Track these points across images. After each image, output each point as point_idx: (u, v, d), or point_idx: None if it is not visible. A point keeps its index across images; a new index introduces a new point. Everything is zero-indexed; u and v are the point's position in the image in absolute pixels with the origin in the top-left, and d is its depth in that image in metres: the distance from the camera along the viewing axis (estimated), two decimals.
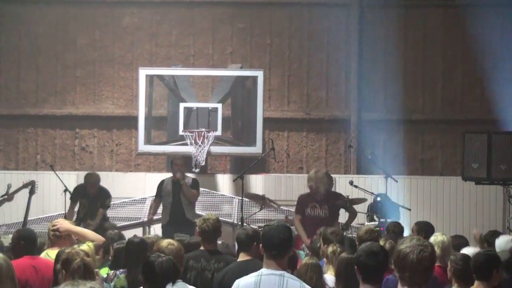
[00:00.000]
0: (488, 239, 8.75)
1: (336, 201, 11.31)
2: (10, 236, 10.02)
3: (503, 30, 15.36)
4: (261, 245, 5.56)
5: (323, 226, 10.97)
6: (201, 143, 13.06)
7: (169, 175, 12.41)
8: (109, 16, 15.62)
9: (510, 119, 14.95)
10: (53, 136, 15.62)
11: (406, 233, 11.19)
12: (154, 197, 12.50)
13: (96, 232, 7.56)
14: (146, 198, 13.65)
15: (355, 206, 11.72)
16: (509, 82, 15.29)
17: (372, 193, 12.48)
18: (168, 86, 14.16)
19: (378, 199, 12.18)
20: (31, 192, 12.45)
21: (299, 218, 11.18)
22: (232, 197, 13.65)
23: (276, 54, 15.59)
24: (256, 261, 6.32)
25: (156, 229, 13.12)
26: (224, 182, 14.38)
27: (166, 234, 10.61)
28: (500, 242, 8.11)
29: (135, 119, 13.88)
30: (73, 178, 13.83)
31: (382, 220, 11.54)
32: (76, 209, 12.33)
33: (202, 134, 13.08)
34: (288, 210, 13.09)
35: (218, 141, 13.51)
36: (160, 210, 12.30)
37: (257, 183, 14.46)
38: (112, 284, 6.71)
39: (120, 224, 12.86)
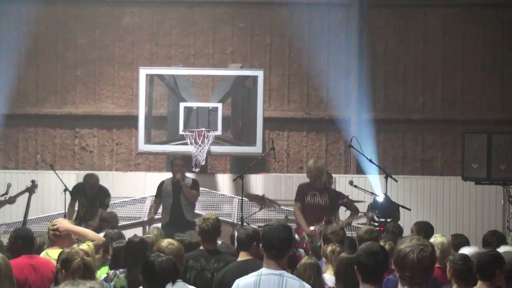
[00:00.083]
0: (488, 239, 8.75)
1: (338, 200, 11.35)
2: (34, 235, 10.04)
3: (503, 30, 15.36)
4: (261, 245, 5.56)
5: (324, 214, 11.07)
6: (201, 142, 13.06)
7: (169, 175, 12.41)
8: (109, 16, 15.62)
9: (510, 119, 14.96)
10: (53, 135, 15.63)
11: (406, 233, 11.22)
12: (154, 198, 12.49)
13: (96, 231, 7.56)
14: (146, 198, 13.65)
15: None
16: (509, 81, 15.29)
17: (372, 193, 12.48)
18: (168, 86, 14.16)
19: (379, 199, 12.18)
20: (31, 192, 12.46)
21: (299, 206, 11.22)
22: (232, 197, 13.66)
23: (277, 53, 15.60)
24: (256, 261, 6.32)
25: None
26: (224, 181, 14.38)
27: (165, 234, 10.59)
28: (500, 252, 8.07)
29: (135, 118, 13.88)
30: (73, 178, 13.84)
31: (382, 220, 11.54)
32: (76, 207, 12.34)
33: (202, 134, 13.08)
34: (288, 210, 13.08)
35: (218, 140, 13.51)
36: (159, 210, 12.29)
37: (257, 182, 14.46)
38: (112, 284, 6.71)
39: (120, 223, 12.86)
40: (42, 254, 7.20)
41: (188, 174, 12.37)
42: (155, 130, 14.73)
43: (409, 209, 12.43)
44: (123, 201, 13.57)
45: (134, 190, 14.24)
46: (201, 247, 7.37)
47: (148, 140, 13.76)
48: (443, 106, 15.51)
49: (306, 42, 15.50)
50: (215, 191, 13.92)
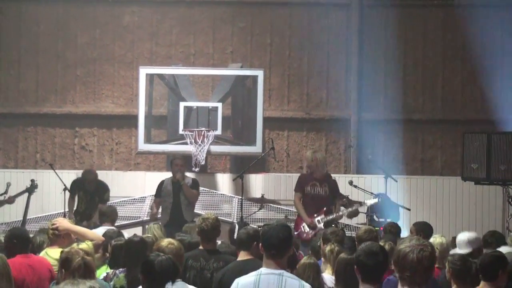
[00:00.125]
0: (487, 240, 8.75)
1: (338, 190, 11.41)
2: (29, 235, 10.05)
3: (503, 30, 15.36)
4: (260, 244, 5.57)
5: (324, 205, 11.11)
6: (201, 142, 13.05)
7: (169, 174, 12.41)
8: (109, 15, 15.62)
9: (509, 119, 14.96)
10: (53, 134, 15.62)
11: (404, 233, 11.22)
12: (153, 197, 12.48)
13: (95, 226, 7.56)
14: (145, 197, 13.65)
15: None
16: (508, 82, 15.29)
17: (372, 193, 12.49)
18: (168, 85, 14.16)
19: (379, 200, 12.18)
20: (31, 192, 12.46)
21: (299, 197, 11.26)
22: (232, 197, 13.65)
23: (277, 53, 15.59)
24: (256, 261, 6.32)
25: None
26: (224, 181, 14.37)
27: (165, 234, 10.58)
28: (459, 239, 8.09)
29: (135, 118, 13.88)
30: (73, 177, 13.80)
31: (381, 220, 11.55)
32: (75, 202, 12.32)
33: (202, 133, 13.07)
34: (288, 210, 13.09)
35: (218, 140, 13.51)
36: (159, 210, 12.28)
37: (257, 182, 14.46)
38: (112, 283, 6.71)
39: (119, 223, 12.86)
40: (42, 253, 7.20)
41: (188, 174, 12.37)
42: (155, 129, 14.73)
43: (409, 209, 12.45)
44: (122, 201, 13.56)
45: (133, 190, 14.24)
46: (201, 247, 7.37)
47: (148, 140, 13.76)
48: (443, 106, 15.51)
49: (306, 42, 15.50)
50: (214, 191, 13.92)
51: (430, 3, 15.54)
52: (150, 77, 14.04)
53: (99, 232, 8.10)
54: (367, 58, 15.43)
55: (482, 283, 6.11)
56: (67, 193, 12.39)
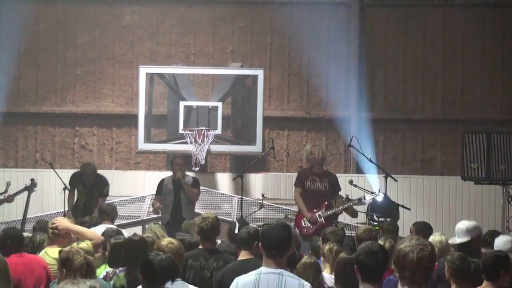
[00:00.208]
0: (487, 239, 8.75)
1: (338, 184, 11.44)
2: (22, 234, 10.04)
3: (503, 30, 15.36)
4: (260, 244, 5.56)
5: (324, 199, 11.12)
6: (201, 141, 13.05)
7: (169, 173, 12.40)
8: (109, 15, 15.62)
9: (509, 119, 14.96)
10: (53, 134, 15.62)
11: (402, 232, 11.22)
12: (154, 196, 12.44)
13: (95, 223, 7.56)
14: (145, 197, 13.64)
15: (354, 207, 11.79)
16: (508, 81, 15.29)
17: (371, 192, 12.48)
18: (168, 85, 14.16)
19: (376, 196, 12.17)
20: (30, 190, 12.45)
21: (299, 192, 11.27)
22: (232, 196, 13.65)
23: (277, 53, 15.59)
24: (257, 260, 6.32)
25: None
26: (224, 180, 14.37)
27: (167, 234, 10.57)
28: (499, 242, 8.13)
29: (135, 117, 13.88)
30: None
31: (381, 219, 11.54)
32: (75, 197, 12.28)
33: (202, 133, 13.07)
34: (288, 209, 13.09)
35: (218, 139, 13.51)
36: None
37: (257, 182, 14.46)
38: (112, 282, 6.70)
39: (119, 222, 12.86)
40: (42, 253, 7.21)
41: (188, 173, 12.36)
42: (155, 129, 14.73)
43: (409, 209, 12.44)
44: (122, 200, 13.56)
45: (133, 189, 14.24)
46: (200, 246, 7.37)
47: (148, 139, 13.76)
48: (443, 106, 15.51)
49: (306, 41, 15.50)
50: (214, 190, 13.91)
51: (430, 3, 15.54)
52: (150, 77, 14.04)
53: (98, 230, 8.10)
54: (367, 57, 15.44)
55: (484, 283, 6.12)
56: (67, 192, 12.38)
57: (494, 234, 8.78)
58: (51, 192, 13.86)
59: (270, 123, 15.09)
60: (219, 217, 7.95)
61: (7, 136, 15.61)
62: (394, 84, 15.49)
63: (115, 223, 10.03)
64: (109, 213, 9.93)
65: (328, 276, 7.01)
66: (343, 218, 11.87)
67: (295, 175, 12.69)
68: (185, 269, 7.04)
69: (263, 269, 5.46)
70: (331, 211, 11.20)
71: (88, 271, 5.46)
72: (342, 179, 13.69)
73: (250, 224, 11.47)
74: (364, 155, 12.63)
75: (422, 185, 14.70)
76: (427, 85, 15.54)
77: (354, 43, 15.37)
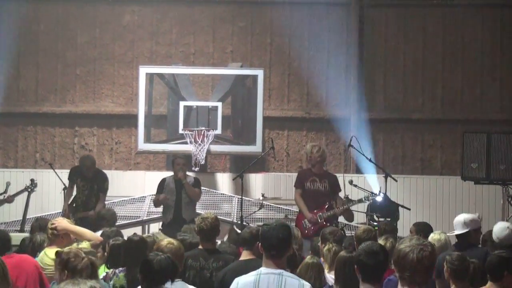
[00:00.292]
0: (486, 239, 8.79)
1: (338, 185, 11.43)
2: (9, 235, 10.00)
3: (502, 30, 15.36)
4: (260, 244, 5.56)
5: (324, 200, 11.11)
6: (201, 141, 13.05)
7: (169, 173, 12.38)
8: (109, 14, 15.61)
9: (509, 119, 14.96)
10: (53, 134, 15.61)
11: (402, 232, 11.21)
12: (154, 195, 12.33)
13: (94, 229, 7.54)
14: (145, 197, 13.61)
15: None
16: (507, 81, 15.29)
17: (371, 192, 12.48)
18: (168, 85, 14.15)
19: (376, 197, 12.17)
20: (30, 191, 12.43)
21: (299, 193, 11.27)
22: (232, 196, 13.64)
23: (277, 53, 15.59)
24: (258, 261, 6.31)
25: (152, 228, 13.09)
26: (224, 181, 14.37)
27: (166, 234, 10.54)
28: (497, 229, 8.21)
29: (135, 117, 13.87)
30: None
31: (381, 219, 11.53)
32: (73, 192, 12.23)
33: (202, 133, 13.07)
34: (288, 209, 13.08)
35: (218, 139, 13.50)
36: (160, 209, 12.23)
37: (257, 182, 14.46)
38: (111, 283, 6.70)
39: (119, 223, 12.84)
40: (41, 253, 7.20)
41: (189, 173, 12.34)
42: (155, 129, 14.73)
43: (409, 209, 12.43)
44: (122, 200, 13.55)
45: (133, 189, 14.22)
46: (200, 247, 7.36)
47: (147, 139, 13.76)
48: (442, 105, 15.51)
49: (306, 41, 15.50)
50: (214, 190, 13.90)
51: (429, 3, 15.54)
52: (150, 77, 14.04)
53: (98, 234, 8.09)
54: (366, 57, 15.44)
55: (489, 283, 6.14)
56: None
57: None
58: (51, 192, 13.85)
59: (270, 123, 15.08)
60: (219, 217, 7.96)
61: (7, 136, 15.61)
62: (394, 84, 15.49)
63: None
64: (109, 219, 9.93)
65: (328, 276, 7.02)
66: (343, 218, 11.86)
67: (295, 175, 12.69)
68: (185, 269, 7.04)
69: (263, 269, 5.46)
70: (331, 212, 11.20)
71: (93, 272, 5.45)
72: (342, 179, 13.71)
73: (249, 224, 11.50)
74: (364, 155, 12.62)
75: (422, 185, 14.70)
76: (427, 85, 15.54)
77: (353, 43, 15.37)
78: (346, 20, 15.46)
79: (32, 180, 12.60)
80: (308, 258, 7.06)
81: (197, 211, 12.00)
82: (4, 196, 12.45)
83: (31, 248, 7.86)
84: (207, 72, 14.96)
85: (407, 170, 15.17)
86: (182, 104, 13.42)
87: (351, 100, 15.35)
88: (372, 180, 13.73)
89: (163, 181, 12.05)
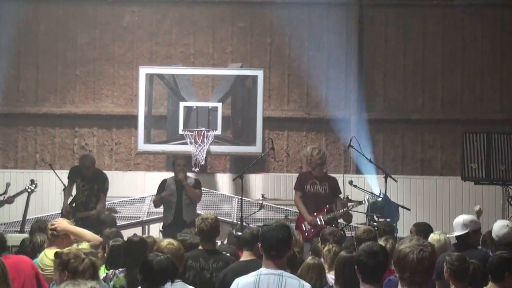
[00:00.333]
0: (486, 240, 8.80)
1: (338, 188, 11.43)
2: (9, 235, 10.01)
3: (502, 30, 15.35)
4: (259, 245, 5.56)
5: (324, 203, 11.10)
6: (201, 142, 13.04)
7: (169, 174, 12.38)
8: (109, 15, 15.61)
9: (509, 119, 14.95)
10: (53, 134, 15.61)
11: (402, 232, 11.21)
12: (155, 196, 12.32)
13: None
14: (145, 198, 13.62)
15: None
16: (508, 81, 15.28)
17: (371, 193, 12.48)
18: (168, 85, 14.15)
19: (378, 199, 12.17)
20: (30, 191, 12.43)
21: (299, 195, 11.27)
22: (232, 197, 13.64)
23: (276, 53, 15.59)
24: (259, 261, 6.31)
25: (152, 229, 13.09)
26: (224, 181, 14.37)
27: (166, 235, 10.53)
28: (496, 227, 8.24)
29: (134, 118, 13.87)
30: None
31: (381, 220, 11.54)
32: (73, 192, 12.21)
33: (202, 133, 13.07)
34: (288, 210, 13.08)
35: (217, 140, 13.50)
36: (161, 208, 12.21)
37: (257, 182, 14.46)
38: (111, 283, 6.70)
39: (119, 223, 12.84)
40: (41, 254, 7.20)
41: (189, 175, 12.33)
42: (155, 129, 14.72)
43: (409, 209, 12.44)
44: (122, 201, 13.55)
45: (133, 190, 14.23)
46: (200, 247, 7.36)
47: (147, 140, 13.75)
48: (442, 106, 15.51)
49: (306, 41, 15.50)
50: (214, 191, 13.91)
51: (429, 3, 15.54)
52: (150, 77, 14.04)
53: None
54: (366, 58, 15.44)
55: (490, 284, 6.15)
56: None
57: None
58: (51, 193, 13.85)
59: (270, 124, 15.08)
60: (219, 218, 7.96)
61: (6, 137, 15.60)
62: (394, 84, 15.48)
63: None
64: (109, 224, 9.93)
65: (328, 276, 7.02)
66: (342, 219, 11.85)
67: (295, 175, 12.72)
68: (185, 270, 7.03)
69: (263, 270, 5.46)
70: (331, 215, 11.20)
71: (95, 273, 5.44)
72: (342, 179, 13.71)
73: (249, 225, 11.50)
74: (364, 155, 12.62)
75: (422, 185, 14.70)
76: (427, 85, 15.54)
77: (353, 43, 15.37)
78: (346, 21, 15.46)
79: (32, 181, 12.59)
80: (309, 259, 7.06)
81: (197, 212, 11.99)
82: (4, 197, 12.45)
83: (31, 249, 7.87)
84: (207, 73, 14.96)
85: (407, 171, 15.16)
86: (182, 104, 13.42)
87: (351, 101, 15.35)
88: (372, 181, 13.73)
89: (163, 182, 12.03)
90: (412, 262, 4.32)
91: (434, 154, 15.48)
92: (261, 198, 13.37)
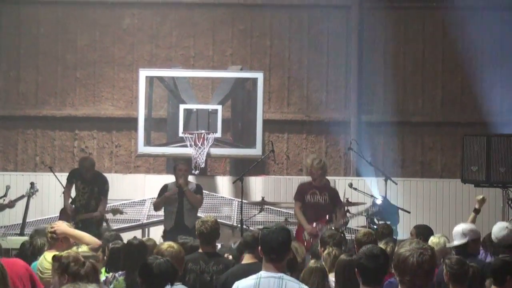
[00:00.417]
0: (486, 242, 8.80)
1: (338, 198, 11.40)
2: (9, 238, 10.01)
3: (502, 32, 15.36)
4: (259, 248, 5.55)
5: (324, 213, 11.08)
6: (201, 145, 13.04)
7: (169, 176, 12.36)
8: (109, 17, 15.61)
9: (509, 122, 14.95)
10: (53, 137, 15.61)
11: (402, 235, 11.20)
12: (155, 200, 12.31)
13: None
14: (145, 200, 13.61)
15: (355, 208, 11.80)
16: (508, 83, 15.28)
17: (371, 195, 12.48)
18: (168, 88, 14.15)
19: (378, 202, 12.17)
20: (31, 195, 12.42)
21: (299, 206, 11.25)
22: (232, 199, 13.63)
23: (276, 56, 15.59)
24: (260, 265, 6.32)
25: (152, 231, 13.07)
26: (224, 184, 14.36)
27: (168, 241, 10.48)
28: (495, 229, 8.25)
29: (134, 120, 13.86)
30: None
31: (381, 223, 11.53)
32: (72, 194, 12.19)
33: (202, 136, 13.06)
34: (288, 213, 13.07)
35: (218, 143, 13.49)
36: (161, 212, 12.19)
37: (257, 185, 14.44)
38: (111, 286, 6.70)
39: (119, 226, 12.84)
40: (41, 257, 7.19)
41: (191, 180, 12.30)
42: (155, 132, 14.72)
43: (409, 212, 12.43)
44: (122, 204, 13.53)
45: (133, 193, 14.21)
46: (200, 250, 7.36)
47: (147, 142, 13.74)
48: (442, 108, 15.51)
49: (306, 44, 15.51)
50: (214, 194, 13.90)
51: (429, 5, 15.54)
52: (150, 80, 14.03)
53: None
54: (366, 60, 15.43)
55: (492, 287, 6.15)
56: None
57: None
58: (51, 195, 13.84)
59: (270, 126, 15.08)
60: (219, 220, 7.96)
61: (6, 139, 15.60)
62: (394, 86, 15.47)
63: (114, 227, 10.03)
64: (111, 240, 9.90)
65: (330, 279, 7.02)
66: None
67: (295, 178, 12.73)
68: (185, 273, 7.04)
69: (263, 273, 5.46)
70: (331, 226, 11.17)
71: (96, 276, 5.44)
72: (342, 182, 13.72)
73: (249, 227, 11.50)
74: (363, 158, 12.61)
75: (422, 188, 14.69)
76: (427, 87, 15.54)
77: (353, 45, 15.37)
78: (346, 22, 15.47)
79: (32, 184, 12.59)
80: (311, 263, 7.05)
81: (197, 214, 11.97)
82: (4, 200, 12.44)
83: (31, 251, 7.86)
84: (207, 75, 14.97)
85: (407, 173, 15.16)
86: (182, 107, 13.41)
87: (351, 103, 15.35)
88: (372, 183, 13.72)
89: (165, 186, 11.98)
90: (412, 265, 4.32)
91: (434, 156, 15.48)
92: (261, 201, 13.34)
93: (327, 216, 11.21)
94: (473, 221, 9.30)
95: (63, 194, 12.26)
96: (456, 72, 15.43)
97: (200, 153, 12.99)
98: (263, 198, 12.72)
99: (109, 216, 12.41)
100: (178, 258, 6.33)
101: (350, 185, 12.42)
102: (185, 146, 13.16)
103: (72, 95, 15.65)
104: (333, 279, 6.44)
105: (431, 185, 14.78)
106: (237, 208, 12.85)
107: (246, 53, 15.59)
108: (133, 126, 14.19)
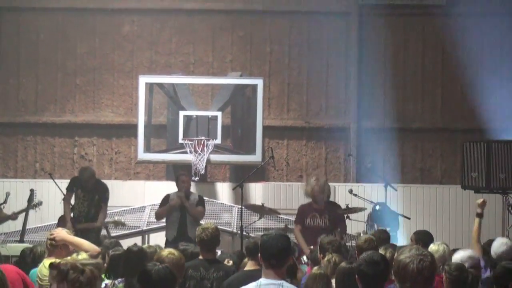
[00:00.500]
0: (486, 248, 8.78)
1: (337, 210, 11.32)
2: (9, 245, 10.00)
3: (501, 39, 15.37)
4: (259, 254, 5.54)
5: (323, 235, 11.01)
6: (201, 151, 13.04)
7: (168, 183, 12.35)
8: (109, 24, 15.63)
9: (508, 128, 14.95)
10: (52, 144, 15.61)
11: (402, 241, 11.18)
12: (157, 209, 12.26)
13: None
14: (145, 207, 13.60)
15: (355, 214, 11.78)
16: (507, 90, 15.29)
17: (371, 201, 12.48)
18: (167, 94, 14.16)
19: (377, 208, 12.16)
20: (30, 201, 12.42)
21: (299, 229, 11.16)
22: (232, 206, 13.63)
23: (276, 62, 15.60)
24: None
25: (152, 238, 13.06)
26: (224, 190, 14.35)
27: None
28: (495, 245, 8.25)
29: (134, 127, 13.87)
30: None
31: (380, 228, 11.52)
32: (72, 202, 12.17)
33: (202, 142, 13.06)
34: (288, 219, 13.06)
35: (217, 149, 13.49)
36: (163, 220, 12.16)
37: (257, 191, 14.44)
38: None
39: (118, 233, 12.83)
40: (40, 264, 7.19)
41: (193, 191, 12.26)
42: (155, 138, 14.72)
43: (409, 218, 12.43)
44: (122, 210, 13.53)
45: (133, 199, 14.20)
46: (200, 257, 7.35)
47: (147, 149, 13.75)
48: (442, 114, 15.51)
49: (306, 50, 15.52)
50: (214, 200, 13.89)
51: (428, 12, 15.55)
52: (150, 86, 14.04)
53: None
54: (366, 66, 15.44)
55: None
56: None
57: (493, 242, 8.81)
58: (51, 202, 13.82)
59: (269, 133, 15.09)
60: (219, 227, 7.95)
61: (6, 146, 15.60)
62: (394, 92, 15.48)
63: (114, 233, 10.02)
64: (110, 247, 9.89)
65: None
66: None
67: (295, 184, 12.72)
68: (185, 280, 7.03)
69: (263, 280, 5.44)
70: None
71: (95, 284, 5.42)
72: (342, 188, 13.73)
73: (249, 234, 11.48)
74: (363, 164, 12.61)
75: (422, 194, 14.68)
76: (427, 93, 15.55)
77: (353, 51, 15.39)
78: (346, 29, 15.49)
79: (31, 190, 12.58)
80: (315, 269, 7.02)
81: None
82: (3, 207, 12.43)
83: (32, 259, 7.85)
84: (207, 82, 14.98)
85: (407, 179, 15.15)
86: (181, 113, 13.42)
87: (351, 109, 15.36)
88: (372, 189, 13.72)
89: (167, 196, 11.94)
90: (412, 272, 4.32)
91: (434, 162, 15.48)
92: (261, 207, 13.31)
93: None
94: (479, 228, 9.24)
95: (63, 201, 12.25)
96: (455, 78, 15.43)
97: (200, 160, 12.99)
98: (263, 204, 12.71)
99: (110, 227, 12.40)
100: (178, 265, 6.32)
101: (350, 191, 12.42)
102: (185, 152, 13.16)
103: (72, 102, 15.66)
104: (334, 286, 6.43)
105: (431, 191, 14.77)
106: (237, 214, 12.84)
107: (245, 60, 15.61)
108: (133, 132, 14.20)
